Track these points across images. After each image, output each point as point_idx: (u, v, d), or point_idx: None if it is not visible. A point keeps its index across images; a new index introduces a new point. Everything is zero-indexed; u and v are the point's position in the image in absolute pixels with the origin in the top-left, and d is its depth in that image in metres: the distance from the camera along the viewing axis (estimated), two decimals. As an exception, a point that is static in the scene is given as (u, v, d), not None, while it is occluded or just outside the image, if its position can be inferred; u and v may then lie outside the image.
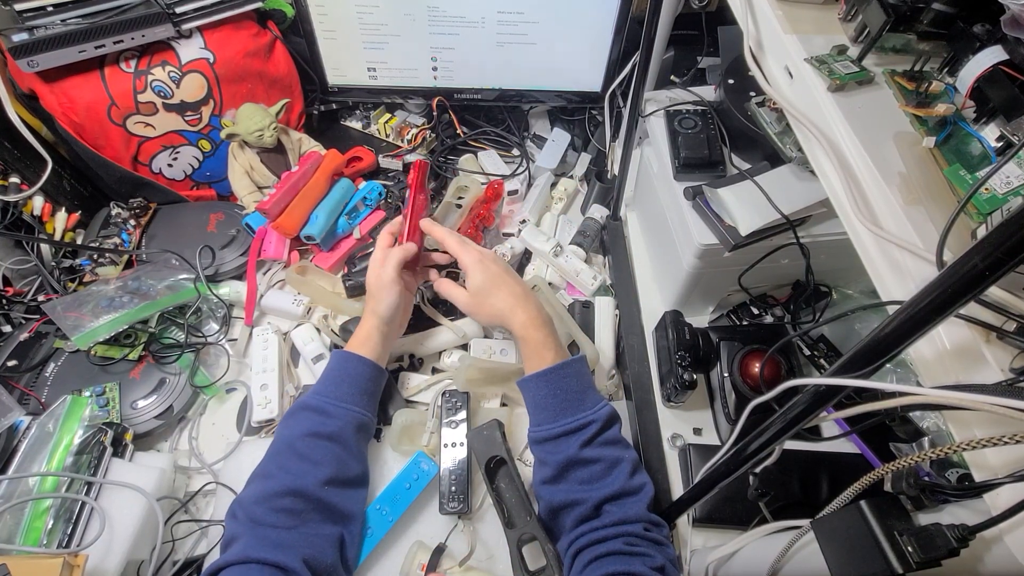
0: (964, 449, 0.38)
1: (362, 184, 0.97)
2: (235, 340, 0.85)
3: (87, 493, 0.64)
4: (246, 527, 0.57)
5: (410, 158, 1.03)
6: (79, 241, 0.89)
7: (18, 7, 0.75)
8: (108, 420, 0.72)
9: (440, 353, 0.85)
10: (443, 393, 0.75)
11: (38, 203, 0.85)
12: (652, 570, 0.54)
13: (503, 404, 0.80)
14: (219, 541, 0.60)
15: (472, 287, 0.74)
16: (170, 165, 0.93)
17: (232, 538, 0.57)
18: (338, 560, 0.59)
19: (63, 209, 0.88)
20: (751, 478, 0.64)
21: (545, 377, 0.67)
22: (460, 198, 0.93)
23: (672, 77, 0.96)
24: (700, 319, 0.88)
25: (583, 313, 0.87)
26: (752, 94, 0.72)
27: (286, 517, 0.58)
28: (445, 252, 0.80)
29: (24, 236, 0.84)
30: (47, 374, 0.77)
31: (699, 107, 0.83)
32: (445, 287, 0.78)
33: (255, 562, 0.53)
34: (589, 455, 0.62)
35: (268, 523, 0.57)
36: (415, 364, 0.85)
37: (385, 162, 1.02)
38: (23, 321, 0.82)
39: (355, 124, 1.09)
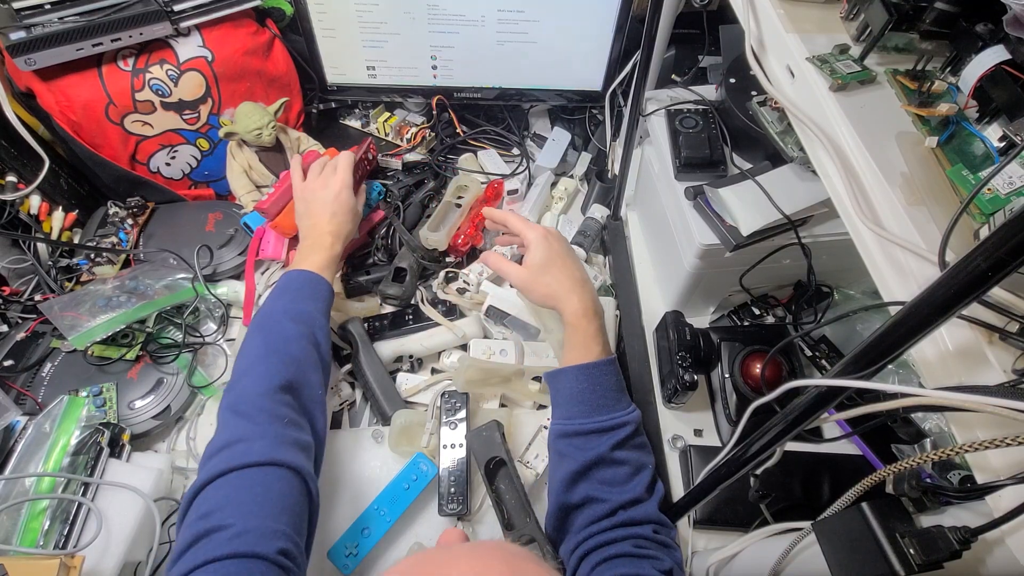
0: (966, 451, 0.38)
1: (361, 183, 0.97)
2: (233, 340, 0.84)
3: (84, 494, 0.63)
4: (261, 424, 0.55)
5: (410, 157, 1.03)
6: (76, 240, 0.89)
7: (16, 5, 0.75)
8: (105, 420, 0.72)
9: (439, 353, 0.84)
10: (442, 394, 0.75)
11: (35, 202, 0.84)
12: (660, 573, 0.54)
13: (502, 405, 0.80)
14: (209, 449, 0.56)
15: (531, 262, 0.70)
16: (168, 164, 0.93)
17: (242, 437, 0.55)
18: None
19: (60, 208, 0.88)
20: (752, 480, 0.64)
21: (587, 370, 0.64)
22: (460, 198, 0.93)
23: (673, 76, 0.96)
24: (701, 320, 0.88)
25: (583, 313, 0.87)
26: (754, 93, 0.72)
27: (291, 413, 0.59)
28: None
29: (21, 235, 0.84)
30: (44, 374, 0.76)
31: (700, 106, 0.83)
32: (494, 260, 0.74)
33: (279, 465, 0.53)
34: (619, 456, 0.61)
35: (283, 419, 0.57)
36: (414, 365, 0.85)
37: (384, 161, 1.02)
38: (20, 321, 0.82)
39: (354, 123, 1.08)
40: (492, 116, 1.11)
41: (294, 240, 0.90)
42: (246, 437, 0.54)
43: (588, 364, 0.65)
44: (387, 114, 1.07)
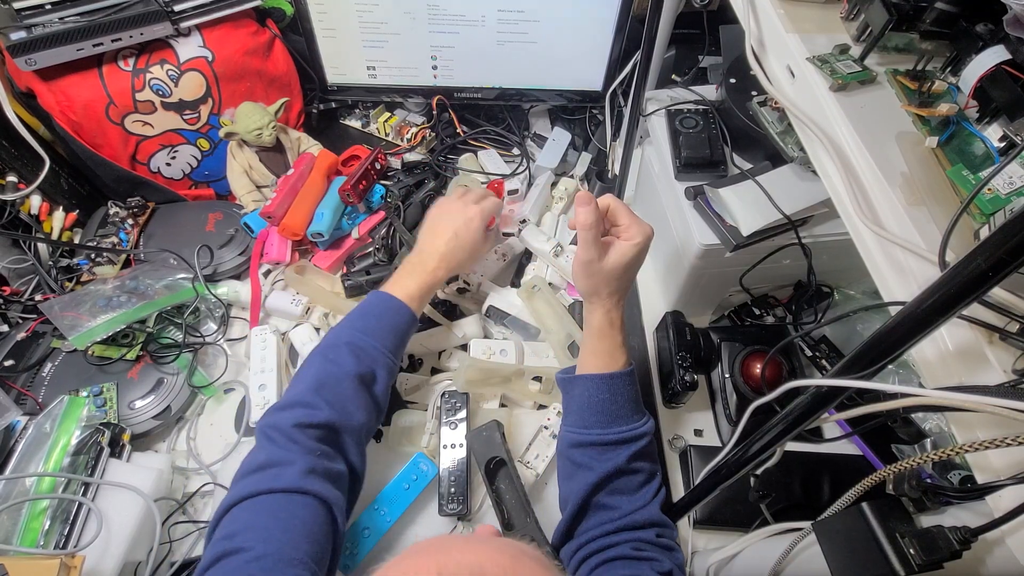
0: (966, 451, 0.38)
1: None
2: (233, 340, 0.84)
3: (84, 494, 0.63)
4: (294, 452, 0.55)
5: (410, 157, 1.03)
6: (77, 240, 0.89)
7: (16, 5, 0.75)
8: (106, 420, 0.72)
9: (440, 353, 0.84)
10: (443, 394, 0.75)
11: (36, 202, 0.84)
12: (659, 575, 0.54)
13: (503, 405, 0.80)
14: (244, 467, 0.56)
15: (620, 254, 0.62)
16: (168, 164, 0.93)
17: (275, 462, 0.55)
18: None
19: (61, 208, 0.88)
20: (752, 480, 0.64)
21: (610, 380, 0.63)
22: (460, 198, 0.93)
23: (673, 76, 0.96)
24: (701, 320, 0.88)
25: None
26: (754, 93, 0.72)
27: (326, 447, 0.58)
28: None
29: (21, 235, 0.84)
30: (44, 374, 0.76)
31: (700, 106, 0.83)
32: (585, 218, 0.61)
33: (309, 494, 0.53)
34: (635, 466, 0.60)
35: (315, 452, 0.56)
36: (415, 364, 0.84)
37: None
38: (20, 321, 0.82)
39: (354, 123, 1.08)
40: (492, 116, 1.11)
41: (298, 242, 0.90)
42: (279, 462, 0.55)
43: (611, 374, 0.63)
44: (387, 114, 1.07)
